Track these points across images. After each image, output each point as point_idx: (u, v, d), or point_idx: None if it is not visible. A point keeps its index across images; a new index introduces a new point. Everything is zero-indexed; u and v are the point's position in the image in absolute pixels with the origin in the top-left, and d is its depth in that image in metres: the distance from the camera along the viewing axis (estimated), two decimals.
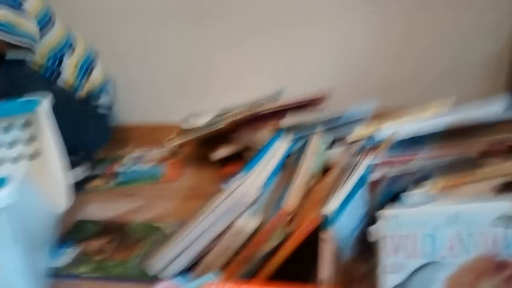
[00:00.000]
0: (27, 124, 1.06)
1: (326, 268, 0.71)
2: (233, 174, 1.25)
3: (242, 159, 1.26)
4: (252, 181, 0.86)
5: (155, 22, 1.53)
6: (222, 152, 1.30)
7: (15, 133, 1.07)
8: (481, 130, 0.92)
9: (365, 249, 0.81)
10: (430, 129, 0.87)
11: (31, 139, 1.07)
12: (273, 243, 0.78)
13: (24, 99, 1.05)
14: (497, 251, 0.62)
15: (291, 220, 0.80)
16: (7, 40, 1.12)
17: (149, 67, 1.57)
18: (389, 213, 0.62)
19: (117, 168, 1.42)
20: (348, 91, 1.32)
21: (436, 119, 0.92)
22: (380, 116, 1.15)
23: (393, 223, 0.62)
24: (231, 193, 0.82)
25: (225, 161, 1.31)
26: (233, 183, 0.83)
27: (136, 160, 1.47)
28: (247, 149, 1.25)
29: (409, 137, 0.85)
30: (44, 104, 1.01)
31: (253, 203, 0.84)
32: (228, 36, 1.52)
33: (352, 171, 0.79)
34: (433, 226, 0.61)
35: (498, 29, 1.44)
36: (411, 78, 1.52)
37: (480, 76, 1.50)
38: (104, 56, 1.46)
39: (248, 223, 0.83)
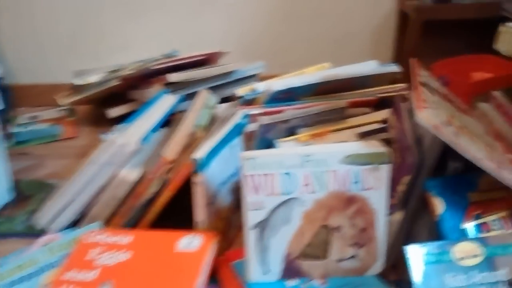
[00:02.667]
0: None
1: (199, 211, 0.75)
2: None
3: None
4: (132, 133, 0.87)
5: None
6: (117, 110, 1.29)
7: None
8: (354, 85, 0.99)
9: None
10: (303, 83, 0.92)
11: None
12: (152, 190, 0.81)
13: None
14: (347, 188, 0.68)
15: (171, 169, 0.83)
16: None
17: (39, 26, 1.51)
18: (248, 155, 0.66)
19: (12, 128, 1.38)
20: (240, 53, 1.35)
21: (312, 75, 0.98)
22: (269, 77, 1.20)
23: (252, 163, 0.66)
24: (110, 144, 0.84)
25: (122, 119, 1.31)
26: (113, 135, 0.84)
27: (31, 119, 1.42)
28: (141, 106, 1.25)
29: (283, 89, 0.89)
30: None
31: (134, 154, 0.85)
32: None
33: (228, 121, 0.83)
34: (288, 166, 0.67)
35: None
36: (300, 43, 1.58)
37: (366, 43, 1.59)
38: None
39: (130, 173, 0.85)
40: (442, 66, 1.36)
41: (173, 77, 1.08)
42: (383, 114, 0.92)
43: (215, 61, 1.31)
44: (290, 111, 0.86)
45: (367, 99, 0.94)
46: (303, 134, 0.84)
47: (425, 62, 1.42)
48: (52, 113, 1.45)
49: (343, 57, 1.57)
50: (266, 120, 0.82)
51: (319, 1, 1.50)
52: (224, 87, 1.17)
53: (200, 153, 0.71)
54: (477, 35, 1.45)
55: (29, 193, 1.06)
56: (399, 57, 1.53)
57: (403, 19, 1.47)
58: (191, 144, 0.91)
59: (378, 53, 1.58)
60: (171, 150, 0.84)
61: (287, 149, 0.70)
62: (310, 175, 0.67)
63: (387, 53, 1.59)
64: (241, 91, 1.09)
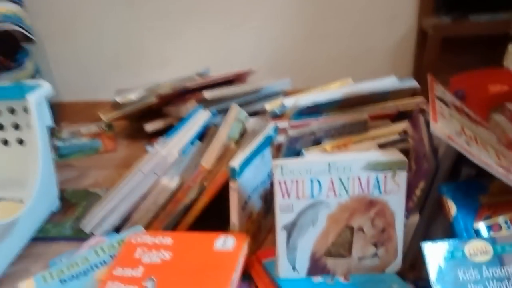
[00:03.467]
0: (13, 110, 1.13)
1: (234, 213, 0.83)
2: None
3: None
4: (173, 145, 0.96)
5: (88, 3, 1.59)
6: (154, 124, 1.39)
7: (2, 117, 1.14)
8: (375, 99, 1.07)
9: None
10: (327, 98, 1.00)
11: (17, 126, 1.14)
12: (191, 196, 0.90)
13: (17, 84, 1.10)
14: (368, 192, 0.76)
15: (207, 177, 0.92)
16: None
17: (84, 47, 1.63)
18: (279, 163, 0.74)
19: (56, 142, 1.49)
20: (267, 70, 1.44)
21: (335, 91, 1.06)
22: (295, 92, 1.28)
23: (283, 170, 0.74)
24: (154, 154, 0.93)
25: (158, 134, 1.41)
26: (156, 146, 0.93)
27: (72, 134, 1.53)
28: (178, 121, 1.35)
29: (309, 104, 0.97)
30: (37, 93, 1.03)
31: (174, 164, 0.94)
32: (157, 17, 1.60)
33: (259, 133, 0.91)
34: (316, 172, 0.74)
35: (403, 14, 1.59)
36: (322, 60, 1.66)
37: (386, 59, 1.66)
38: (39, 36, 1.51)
39: (171, 181, 0.94)
40: (459, 80, 1.41)
41: (208, 94, 1.17)
42: (402, 125, 0.99)
43: (244, 78, 1.41)
44: (316, 124, 0.93)
45: (387, 112, 1.02)
46: (328, 144, 0.92)
47: (443, 77, 1.49)
48: (92, 128, 1.56)
49: (364, 73, 1.65)
50: (294, 132, 0.90)
51: (340, 19, 1.59)
52: (253, 102, 1.26)
53: (235, 162, 0.80)
54: (493, 50, 1.51)
55: (74, 201, 1.16)
56: (419, 72, 1.59)
57: (422, 36, 1.54)
58: (225, 154, 1.00)
59: (398, 69, 1.65)
60: (208, 160, 0.93)
61: (314, 157, 0.78)
62: (335, 181, 0.75)
63: (407, 69, 1.66)
64: (270, 106, 1.17)
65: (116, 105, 1.42)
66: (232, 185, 0.80)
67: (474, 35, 1.46)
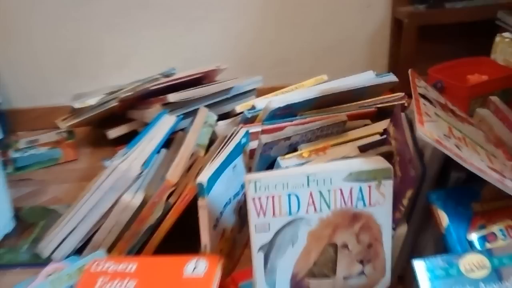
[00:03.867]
0: None
1: (205, 233, 0.75)
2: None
3: None
4: (135, 157, 0.87)
5: (40, 1, 1.46)
6: (117, 131, 1.30)
7: None
8: (352, 96, 1.00)
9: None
10: (301, 98, 0.92)
11: None
12: (156, 215, 0.81)
13: None
14: (351, 205, 0.68)
15: (174, 192, 0.83)
16: None
17: (36, 49, 1.51)
18: (252, 177, 0.66)
19: (12, 153, 1.37)
20: (237, 66, 1.35)
21: (310, 90, 0.98)
22: (267, 90, 1.20)
23: (257, 186, 0.66)
24: (114, 169, 0.84)
25: (123, 140, 1.31)
26: (116, 160, 0.84)
27: (30, 144, 1.42)
28: (142, 126, 1.26)
29: (282, 106, 0.90)
30: None
31: (136, 179, 0.85)
32: (113, 13, 1.48)
33: (229, 140, 0.83)
34: (293, 186, 0.66)
35: (378, 2, 1.52)
36: (295, 53, 1.58)
37: (362, 51, 1.59)
38: None
39: (133, 198, 0.85)
40: (437, 70, 1.36)
41: (172, 97, 1.08)
42: (383, 125, 0.92)
43: (212, 77, 1.32)
44: (291, 127, 0.86)
45: (366, 111, 0.95)
46: (305, 150, 0.84)
47: (421, 68, 1.43)
48: (51, 136, 1.44)
49: (338, 65, 1.58)
50: (267, 138, 0.82)
51: (311, 10, 1.51)
52: (222, 103, 1.17)
53: (203, 177, 0.71)
54: (472, 38, 1.46)
55: (32, 220, 1.06)
56: (395, 64, 1.53)
57: (397, 25, 1.48)
58: (194, 165, 0.91)
59: (373, 61, 1.59)
60: (174, 173, 0.85)
61: (291, 169, 0.70)
62: (315, 194, 0.67)
63: (383, 61, 1.60)
64: (240, 107, 1.09)
65: (74, 112, 1.31)
66: (200, 203, 0.72)
67: (451, 23, 1.40)
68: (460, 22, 1.40)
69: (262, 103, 0.95)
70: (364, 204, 0.69)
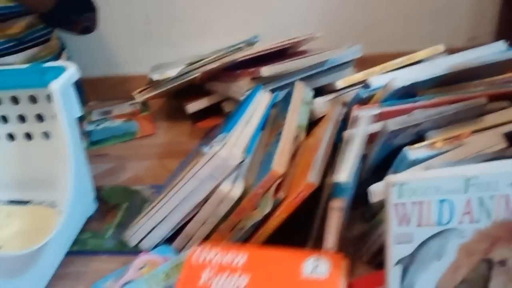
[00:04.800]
0: (34, 99, 0.93)
1: (331, 237, 0.64)
2: (211, 129, 1.16)
3: (219, 112, 1.16)
4: (234, 142, 0.77)
5: None
6: (197, 104, 1.19)
7: (24, 107, 0.94)
8: (478, 73, 0.85)
9: (357, 208, 0.75)
10: (429, 75, 0.78)
11: (40, 117, 0.95)
12: (263, 211, 0.70)
13: (37, 67, 0.90)
14: None
15: (280, 184, 0.72)
16: None
17: (107, 14, 1.40)
18: (397, 179, 0.54)
19: (86, 126, 1.30)
20: (326, 32, 1.20)
21: (433, 64, 0.84)
22: (365, 61, 1.06)
23: (402, 190, 0.54)
24: (213, 157, 0.73)
25: (201, 114, 1.21)
26: (214, 146, 0.74)
27: (103, 115, 1.35)
28: (224, 100, 1.15)
29: (408, 84, 0.76)
30: (61, 78, 0.84)
31: (237, 167, 0.75)
32: None
33: (353, 129, 0.70)
34: (447, 191, 0.54)
35: None
36: (390, 18, 1.41)
37: (465, 15, 1.40)
38: None
39: (232, 188, 0.75)
40: None
41: (266, 71, 0.96)
42: None
43: (300, 45, 1.18)
44: (420, 112, 0.72)
45: (505, 91, 0.79)
46: (437, 138, 0.71)
47: None
48: (125, 107, 1.37)
49: (437, 32, 1.40)
50: (394, 124, 0.69)
51: None
52: (317, 76, 1.04)
53: (343, 175, 0.60)
54: None
55: (114, 202, 0.99)
56: (505, 32, 1.34)
57: None
58: (297, 152, 0.80)
59: (477, 28, 1.40)
60: (280, 162, 0.73)
61: (443, 170, 0.57)
62: (473, 201, 0.55)
63: (487, 28, 1.40)
64: (342, 82, 0.96)
65: (152, 83, 1.21)
66: (335, 204, 0.61)
67: None
68: None
69: (378, 80, 0.82)
70: None
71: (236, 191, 0.75)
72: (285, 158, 0.75)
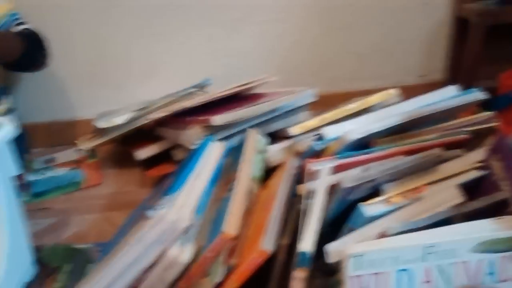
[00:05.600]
0: None
1: None
2: (162, 178, 1.11)
3: (170, 159, 1.11)
4: (184, 202, 0.72)
5: (55, 10, 1.30)
6: (147, 151, 1.14)
7: None
8: (434, 118, 0.83)
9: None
10: (385, 125, 0.76)
11: None
12: (212, 280, 0.65)
13: None
14: (478, 281, 0.53)
15: (233, 248, 0.68)
16: None
17: (54, 58, 1.34)
18: (353, 251, 0.50)
19: (29, 176, 1.22)
20: (277, 75, 1.18)
21: (386, 113, 0.82)
22: (319, 100, 1.04)
23: (359, 262, 0.50)
24: (160, 221, 0.68)
25: (151, 161, 1.15)
26: (162, 208, 0.69)
27: (47, 163, 1.27)
28: (175, 147, 1.10)
29: (364, 135, 0.74)
30: None
31: (187, 230, 0.70)
32: (141, 16, 1.32)
33: (311, 186, 0.67)
34: (406, 261, 0.51)
35: (434, 1, 1.35)
36: (344, 56, 1.41)
37: (416, 53, 1.42)
38: None
39: (181, 253, 0.70)
40: (509, 76, 1.19)
41: (218, 120, 0.92)
42: (476, 156, 0.76)
43: (254, 89, 1.15)
44: (375, 166, 0.70)
45: (458, 139, 0.78)
46: (393, 192, 0.68)
47: (487, 73, 1.27)
48: (70, 154, 1.29)
49: (390, 70, 1.42)
50: (349, 181, 0.66)
51: (364, 9, 1.34)
52: (270, 121, 1.01)
53: (308, 244, 0.56)
54: None
55: (55, 263, 0.91)
56: (456, 68, 1.36)
57: (461, 25, 1.30)
58: (252, 206, 0.76)
59: (429, 65, 1.42)
60: (232, 223, 0.69)
61: (400, 238, 0.54)
62: (433, 270, 0.52)
63: (439, 64, 1.42)
64: (295, 129, 0.94)
65: (98, 131, 1.15)
66: (299, 274, 0.57)
67: None
68: None
69: (332, 131, 0.79)
70: (495, 280, 0.53)
71: (185, 255, 0.70)
72: (237, 218, 0.70)
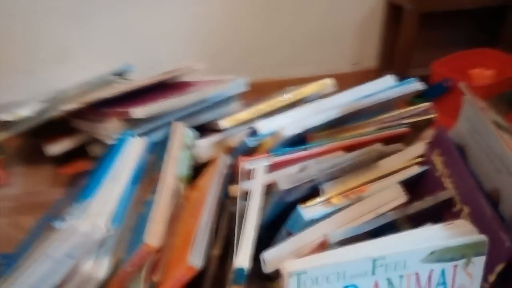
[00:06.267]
0: None
1: None
2: (76, 176, 0.99)
3: (86, 154, 1.00)
4: (99, 210, 0.62)
5: None
6: (59, 146, 1.02)
7: None
8: (372, 111, 0.79)
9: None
10: (321, 119, 0.70)
11: None
12: None
13: None
14: None
15: (156, 262, 0.59)
16: None
17: None
18: (294, 268, 0.44)
19: None
20: (202, 60, 1.09)
21: (322, 105, 0.77)
22: (250, 89, 0.97)
23: (302, 280, 0.44)
24: (71, 232, 0.58)
25: (64, 156, 1.04)
26: (73, 218, 0.59)
27: None
28: (91, 141, 0.99)
29: (300, 131, 0.67)
30: None
31: (102, 242, 0.61)
32: None
33: (246, 194, 0.60)
34: (354, 275, 0.45)
35: None
36: (277, 42, 1.34)
37: (350, 40, 1.38)
38: None
39: (97, 267, 0.61)
40: (442, 64, 1.18)
41: (138, 112, 0.82)
42: (416, 150, 0.72)
43: (179, 77, 1.06)
44: (313, 165, 0.64)
45: (398, 132, 0.74)
46: (333, 192, 0.62)
47: (420, 60, 1.25)
48: None
49: (322, 56, 1.37)
50: (286, 183, 0.60)
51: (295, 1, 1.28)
52: (197, 113, 0.93)
53: (243, 259, 0.49)
54: (478, 26, 1.29)
55: None
56: (389, 55, 1.34)
57: (394, 12, 1.27)
58: (177, 210, 0.68)
59: (362, 52, 1.39)
60: (155, 234, 0.61)
61: (346, 250, 0.48)
62: (381, 284, 0.46)
63: (372, 52, 1.39)
64: (226, 122, 0.86)
65: (2, 124, 1.01)
66: None
67: (457, 9, 1.21)
68: (466, 8, 1.21)
69: (265, 126, 0.72)
70: None
71: (101, 270, 0.61)
72: (161, 226, 0.62)
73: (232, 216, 0.66)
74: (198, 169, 0.80)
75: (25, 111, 0.97)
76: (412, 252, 0.46)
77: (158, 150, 0.83)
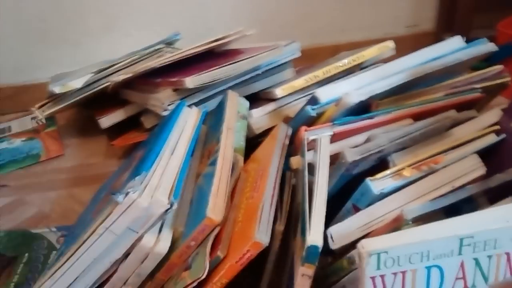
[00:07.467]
0: None
1: None
2: (131, 148, 0.99)
3: (138, 125, 0.99)
4: (158, 183, 0.60)
5: None
6: (112, 118, 1.01)
7: None
8: (439, 74, 0.74)
9: None
10: (388, 84, 0.66)
11: None
12: (194, 276, 0.55)
13: None
14: None
15: (218, 237, 0.57)
16: None
17: None
18: (373, 247, 0.41)
19: None
20: (260, 26, 1.04)
21: (386, 70, 0.72)
22: (302, 55, 0.92)
23: (382, 260, 0.41)
24: (129, 207, 0.57)
25: (117, 127, 1.03)
26: (131, 193, 0.57)
27: (1, 134, 1.13)
28: (143, 112, 0.98)
29: (365, 98, 0.63)
30: None
31: (163, 215, 0.59)
32: None
33: (311, 167, 0.56)
34: (437, 255, 0.42)
35: None
36: (330, 8, 1.28)
37: (405, 1, 1.30)
38: None
39: (158, 242, 0.60)
40: (508, 24, 1.10)
41: (192, 81, 0.80)
42: (491, 117, 0.67)
43: (229, 44, 1.03)
44: (382, 135, 0.60)
45: (471, 97, 0.69)
46: (403, 164, 0.58)
47: (484, 21, 1.17)
48: (26, 122, 1.16)
49: (376, 19, 1.30)
50: (353, 154, 0.56)
51: None
52: (250, 81, 0.90)
53: (318, 237, 0.46)
54: None
55: (12, 253, 0.80)
56: (448, 17, 1.25)
57: None
58: (236, 184, 0.65)
59: (418, 13, 1.30)
60: (216, 207, 0.58)
61: (434, 230, 0.44)
62: (468, 264, 0.43)
63: (429, 13, 1.31)
64: (281, 91, 0.83)
65: (54, 96, 1.01)
66: (306, 271, 0.47)
67: None
68: None
69: (327, 94, 0.68)
70: None
71: (164, 244, 0.59)
72: (222, 200, 0.60)
73: (294, 189, 0.64)
74: (249, 141, 0.78)
75: (76, 83, 0.97)
76: (504, 230, 0.42)
77: (212, 121, 0.80)
